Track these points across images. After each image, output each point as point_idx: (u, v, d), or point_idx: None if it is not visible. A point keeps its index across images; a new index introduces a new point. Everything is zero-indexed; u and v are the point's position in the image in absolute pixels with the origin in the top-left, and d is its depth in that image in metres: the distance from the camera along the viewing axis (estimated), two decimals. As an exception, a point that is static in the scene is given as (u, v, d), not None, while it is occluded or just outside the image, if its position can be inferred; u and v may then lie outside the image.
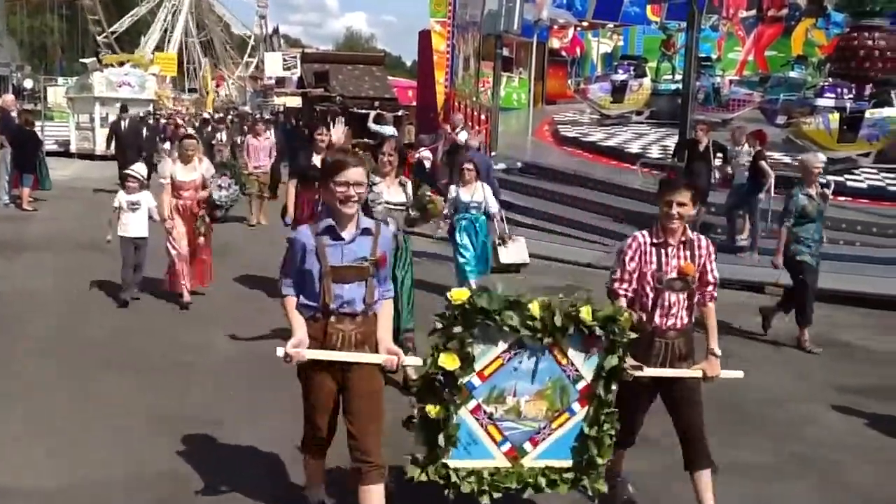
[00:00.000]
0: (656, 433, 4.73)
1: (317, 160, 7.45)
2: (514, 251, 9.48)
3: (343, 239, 3.45)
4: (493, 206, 8.61)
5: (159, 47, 64.83)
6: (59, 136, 27.81)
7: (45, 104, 32.68)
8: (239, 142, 18.37)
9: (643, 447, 5.00)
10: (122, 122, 17.50)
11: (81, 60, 46.01)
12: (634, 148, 18.59)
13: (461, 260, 8.29)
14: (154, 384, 5.85)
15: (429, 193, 6.32)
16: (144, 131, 19.13)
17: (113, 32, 64.75)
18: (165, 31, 69.28)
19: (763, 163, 11.70)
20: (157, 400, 5.54)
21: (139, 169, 8.47)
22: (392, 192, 5.95)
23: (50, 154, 19.09)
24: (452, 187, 8.50)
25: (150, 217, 8.18)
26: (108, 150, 17.71)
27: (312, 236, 3.45)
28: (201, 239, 8.32)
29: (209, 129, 23.71)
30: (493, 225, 9.07)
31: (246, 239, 12.68)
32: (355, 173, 3.39)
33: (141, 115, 22.58)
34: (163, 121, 30.16)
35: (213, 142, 18.37)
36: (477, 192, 8.37)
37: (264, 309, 7.78)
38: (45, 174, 16.11)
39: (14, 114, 16.14)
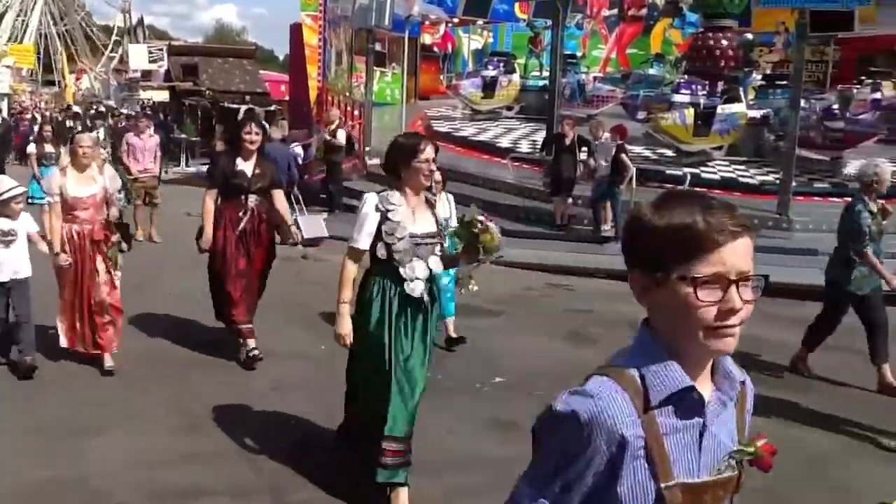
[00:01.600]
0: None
1: (245, 166, 6.40)
2: (313, 225, 11.56)
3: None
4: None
5: (14, 38, 61.19)
6: None
7: None
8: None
9: (504, 436, 5.23)
10: None
11: (-74, 51, 42.98)
12: (505, 142, 19.03)
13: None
14: (12, 393, 5.67)
15: (480, 217, 4.28)
16: None
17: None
18: (19, 19, 65.39)
19: (624, 156, 12.25)
20: (18, 409, 5.38)
21: (7, 182, 6.12)
22: (419, 219, 4.18)
23: None
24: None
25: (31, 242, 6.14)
26: None
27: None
28: (106, 281, 6.24)
29: (80, 124, 21.70)
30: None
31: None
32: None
33: None
34: (28, 117, 28.53)
35: None
36: (442, 206, 5.93)
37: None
38: None
39: None
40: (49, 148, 12.34)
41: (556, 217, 13.09)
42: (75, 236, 6.17)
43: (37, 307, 6.24)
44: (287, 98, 26.47)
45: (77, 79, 57.54)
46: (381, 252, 4.12)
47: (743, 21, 17.78)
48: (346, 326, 4.24)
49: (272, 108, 25.32)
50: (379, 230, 4.11)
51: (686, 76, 18.10)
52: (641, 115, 18.13)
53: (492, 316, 8.60)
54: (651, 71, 23.83)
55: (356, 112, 18.68)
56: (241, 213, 6.45)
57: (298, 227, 8.98)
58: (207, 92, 28.15)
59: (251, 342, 6.52)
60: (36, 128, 28.07)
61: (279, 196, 6.71)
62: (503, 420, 5.56)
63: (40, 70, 63.30)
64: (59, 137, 12.87)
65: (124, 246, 6.51)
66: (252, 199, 6.50)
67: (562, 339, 7.77)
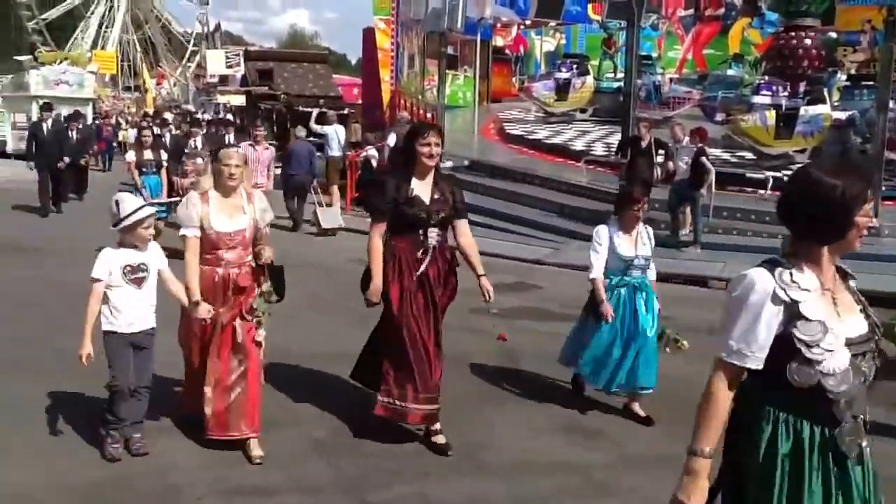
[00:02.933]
0: (603, 424, 4.83)
1: (422, 189, 4.89)
2: (330, 217, 11.82)
3: None
4: None
5: (97, 45, 63.38)
6: (-6, 136, 27.06)
7: (-22, 103, 31.73)
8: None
9: (596, 439, 5.13)
10: (44, 124, 14.78)
11: (16, 58, 44.80)
12: (579, 145, 18.82)
13: (588, 355, 5.62)
14: (85, 389, 5.73)
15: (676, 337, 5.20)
16: (74, 134, 16.13)
17: (45, 19, 62.98)
18: (101, 26, 67.69)
19: (704, 159, 11.98)
20: (91, 405, 5.41)
21: (132, 201, 4.75)
22: None
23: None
24: (603, 229, 5.59)
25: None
26: (30, 163, 14.83)
27: None
28: (245, 342, 4.77)
29: (171, 131, 19.19)
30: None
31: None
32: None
33: (66, 114, 18.24)
34: (112, 122, 29.05)
35: (186, 150, 13.28)
36: (643, 243, 5.63)
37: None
38: None
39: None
40: (149, 154, 11.04)
41: (632, 221, 12.81)
42: (217, 283, 4.74)
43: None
44: (360, 101, 26.71)
45: (157, 84, 59.29)
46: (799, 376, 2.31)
47: (826, 19, 17.18)
48: None
49: (345, 111, 25.59)
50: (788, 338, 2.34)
51: (766, 77, 17.62)
52: (720, 116, 17.73)
53: (566, 320, 8.40)
54: (729, 72, 23.26)
55: (428, 115, 18.70)
56: (419, 254, 4.88)
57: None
58: (282, 96, 28.60)
59: (440, 439, 4.96)
60: (125, 133, 28.88)
61: (465, 228, 5.11)
62: (586, 426, 5.45)
63: (122, 76, 65.45)
64: (157, 145, 11.75)
65: (274, 297, 4.91)
66: (433, 235, 4.91)
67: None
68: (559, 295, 9.37)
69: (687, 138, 12.45)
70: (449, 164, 17.27)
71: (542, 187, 15.17)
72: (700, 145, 12.15)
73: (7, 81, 32.57)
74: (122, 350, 4.61)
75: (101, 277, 4.52)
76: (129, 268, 4.58)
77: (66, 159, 14.82)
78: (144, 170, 10.89)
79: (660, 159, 12.96)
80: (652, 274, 5.76)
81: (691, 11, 29.92)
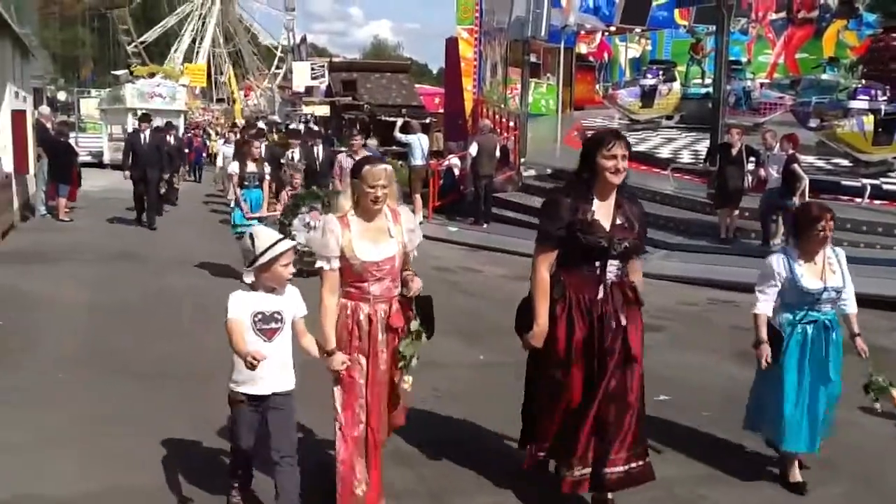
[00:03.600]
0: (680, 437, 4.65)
1: (602, 213, 4.09)
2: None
3: None
4: None
5: (188, 59, 65.59)
6: (93, 148, 28.20)
7: (79, 116, 33.16)
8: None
9: (674, 452, 4.95)
10: (142, 135, 14.89)
11: (113, 72, 46.73)
12: (665, 153, 18.45)
13: (775, 414, 4.65)
14: (180, 390, 5.89)
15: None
16: (171, 140, 17.26)
17: (142, 42, 65.64)
18: (194, 41, 70.07)
19: (796, 166, 11.58)
20: (185, 406, 5.57)
21: (268, 235, 3.91)
22: None
23: (84, 165, 19.32)
24: (779, 259, 4.67)
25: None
26: (125, 173, 14.81)
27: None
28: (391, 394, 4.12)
29: (266, 141, 17.92)
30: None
31: None
32: None
33: (161, 124, 18.83)
34: (200, 133, 29.74)
35: (282, 160, 12.97)
36: (832, 271, 4.62)
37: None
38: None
39: (49, 126, 16.36)
40: (252, 167, 10.14)
41: (722, 230, 12.48)
42: (363, 322, 3.95)
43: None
44: (441, 111, 26.81)
45: (245, 96, 60.94)
46: None
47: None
48: None
49: (427, 120, 25.73)
50: None
51: (864, 81, 16.93)
52: (814, 122, 17.11)
53: (651, 330, 8.16)
54: (824, 76, 22.44)
55: (511, 124, 18.61)
56: (597, 293, 4.05)
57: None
58: (365, 106, 28.98)
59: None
60: (214, 144, 29.60)
61: (638, 268, 4.31)
62: (668, 439, 5.26)
63: (214, 89, 67.55)
64: (262, 157, 10.77)
65: (425, 337, 4.04)
66: (613, 268, 4.09)
67: (728, 357, 7.31)
68: (647, 305, 9.15)
69: (778, 145, 12.05)
70: (531, 172, 17.18)
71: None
72: (792, 152, 11.74)
73: (105, 95, 33.91)
74: (249, 415, 3.87)
75: (238, 316, 3.76)
76: (260, 316, 3.77)
77: (166, 175, 15.18)
78: (246, 183, 10.10)
79: (750, 167, 12.58)
80: (851, 306, 4.72)
81: (783, 14, 28.97)
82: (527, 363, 4.35)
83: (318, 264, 3.90)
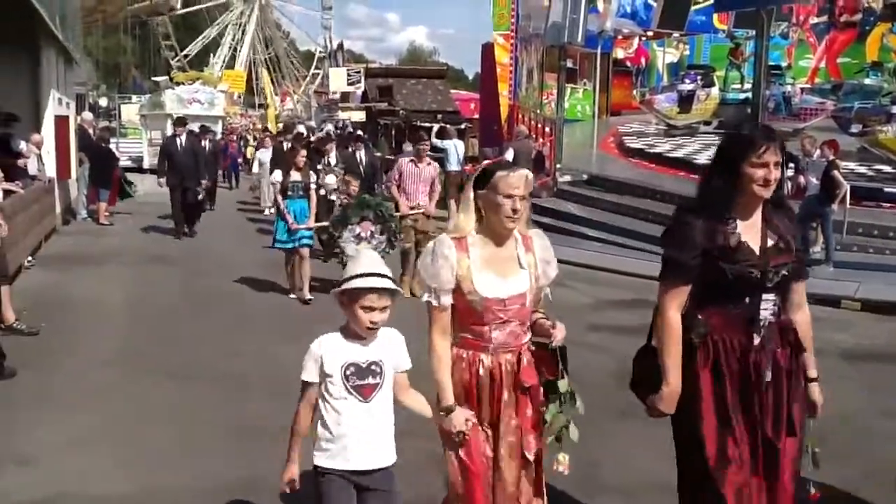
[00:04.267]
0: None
1: (750, 232, 3.10)
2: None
3: None
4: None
5: (228, 65, 66.40)
6: (133, 153, 28.68)
7: (120, 121, 33.74)
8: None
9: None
10: (178, 140, 14.41)
11: (153, 79, 47.49)
12: (702, 159, 18.23)
13: None
14: (216, 393, 5.95)
15: None
16: (207, 146, 16.72)
17: (186, 56, 66.65)
18: (233, 48, 70.95)
19: (836, 173, 11.38)
20: (220, 409, 5.62)
21: (369, 260, 3.03)
22: None
23: (124, 170, 19.63)
24: None
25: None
26: (161, 179, 14.61)
27: None
28: (527, 474, 3.24)
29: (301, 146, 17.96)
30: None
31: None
32: None
33: (196, 129, 18.25)
34: (234, 138, 29.84)
35: (319, 167, 11.75)
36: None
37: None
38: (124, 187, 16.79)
39: (92, 132, 16.65)
40: (296, 176, 9.32)
41: (759, 237, 12.30)
42: (483, 378, 3.12)
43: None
44: (476, 116, 26.83)
45: (281, 101, 61.48)
46: None
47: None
48: None
49: (462, 126, 25.75)
50: None
51: (908, 85, 16.62)
52: (856, 128, 16.82)
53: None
54: (866, 81, 22.05)
55: (547, 129, 18.56)
56: (748, 338, 3.06)
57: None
58: (401, 112, 29.10)
59: None
60: (251, 149, 29.66)
61: (802, 294, 3.27)
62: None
63: (253, 95, 68.29)
64: (307, 165, 9.77)
65: (579, 403, 3.23)
66: (769, 304, 3.11)
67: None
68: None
69: (818, 151, 11.86)
70: (567, 178, 17.11)
71: (663, 202, 14.74)
72: (832, 158, 11.55)
73: (145, 101, 34.48)
74: (342, 495, 3.00)
75: (313, 380, 2.96)
76: (353, 369, 2.94)
77: (205, 182, 14.62)
78: (290, 193, 9.27)
79: (790, 173, 12.38)
80: None
81: (824, 18, 28.59)
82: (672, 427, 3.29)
83: (425, 298, 3.09)
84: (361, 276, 2.88)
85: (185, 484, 4.48)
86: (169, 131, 18.52)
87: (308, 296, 9.10)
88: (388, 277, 2.91)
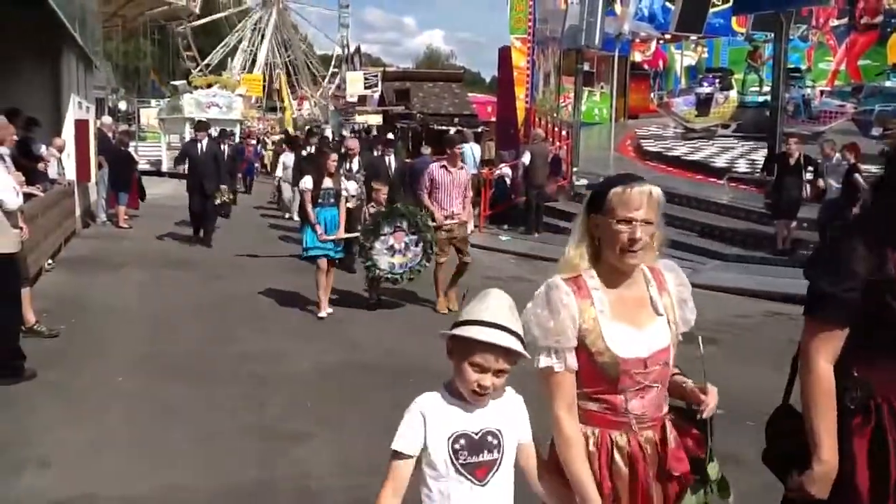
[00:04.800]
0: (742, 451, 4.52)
1: None
2: None
3: None
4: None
5: (246, 69, 66.75)
6: (151, 156, 28.88)
7: (139, 125, 33.98)
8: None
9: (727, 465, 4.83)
10: (199, 144, 13.92)
11: (172, 83, 47.79)
12: (720, 162, 18.17)
13: None
14: (233, 395, 5.97)
15: None
16: (226, 150, 16.40)
17: (207, 66, 67.12)
18: (251, 52, 71.33)
19: (858, 176, 11.29)
20: (238, 411, 5.65)
21: (497, 305, 2.26)
22: None
23: (143, 173, 19.75)
24: None
25: None
26: (180, 166, 14.96)
27: None
28: None
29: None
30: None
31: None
32: None
33: (215, 133, 17.99)
34: (253, 142, 29.72)
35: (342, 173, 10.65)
36: None
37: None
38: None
39: (111, 135, 16.77)
40: (327, 183, 8.61)
41: (779, 241, 12.23)
42: (619, 465, 2.35)
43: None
44: (493, 119, 26.81)
45: (299, 105, 61.69)
46: None
47: None
48: None
49: (479, 129, 25.71)
50: None
51: (929, 88, 16.46)
52: (876, 131, 16.71)
53: (704, 343, 8.09)
54: (887, 83, 21.89)
55: (563, 132, 18.52)
56: None
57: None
58: (418, 115, 29.10)
59: None
60: (269, 153, 29.62)
61: None
62: (724, 453, 5.13)
63: (268, 98, 68.62)
64: (338, 171, 9.13)
65: (731, 499, 2.55)
66: None
67: (785, 372, 7.14)
68: (696, 318, 9.02)
69: (838, 155, 11.78)
70: (584, 181, 17.05)
71: (681, 205, 14.68)
72: (854, 162, 11.46)
73: (164, 105, 34.71)
74: None
75: (409, 452, 2.28)
76: (464, 441, 2.21)
77: (224, 187, 14.21)
78: (321, 201, 8.56)
79: (809, 177, 12.31)
80: None
81: (845, 20, 28.38)
82: None
83: (544, 363, 2.31)
84: (481, 324, 2.17)
85: (204, 485, 4.50)
86: (188, 135, 18.52)
87: (327, 311, 8.55)
88: (516, 335, 2.18)
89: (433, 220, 8.76)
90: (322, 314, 8.48)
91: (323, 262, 8.49)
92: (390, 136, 20.98)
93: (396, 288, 9.09)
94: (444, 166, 9.08)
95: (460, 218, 9.02)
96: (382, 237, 8.36)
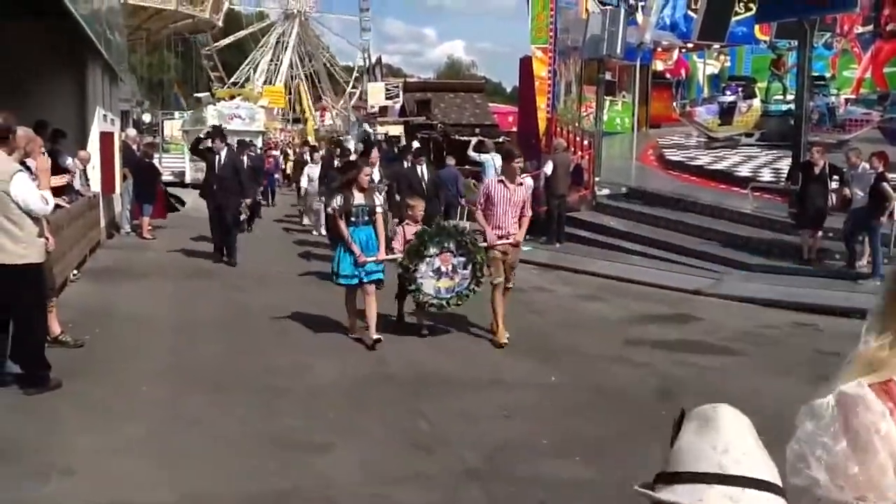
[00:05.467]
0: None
1: None
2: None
3: None
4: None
5: (268, 81, 67.31)
6: (175, 168, 29.14)
7: (162, 137, 34.33)
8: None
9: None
10: (218, 155, 12.73)
11: (195, 95, 48.24)
12: (744, 171, 18.03)
13: None
14: (255, 405, 5.98)
15: None
16: (246, 161, 15.49)
17: (234, 83, 67.82)
18: (273, 63, 71.93)
19: (885, 185, 11.16)
20: (260, 421, 5.66)
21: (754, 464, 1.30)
22: None
23: (166, 185, 19.91)
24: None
25: None
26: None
27: None
28: None
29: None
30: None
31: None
32: None
33: (234, 143, 16.80)
34: (275, 153, 29.74)
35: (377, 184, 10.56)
36: None
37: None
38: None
39: (135, 147, 16.93)
40: (359, 199, 7.88)
41: (804, 251, 12.10)
42: None
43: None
44: (515, 129, 26.79)
45: (321, 116, 62.06)
46: None
47: None
48: None
49: (500, 139, 25.68)
50: None
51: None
52: (902, 139, 16.49)
53: (727, 354, 8.04)
54: (913, 91, 21.67)
55: (585, 142, 18.47)
56: None
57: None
58: (439, 125, 29.16)
59: None
60: (290, 164, 29.41)
61: None
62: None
63: (293, 110, 69.06)
64: (372, 185, 8.54)
65: None
66: None
67: (812, 383, 6.98)
68: (719, 327, 8.99)
69: (865, 164, 11.65)
70: (606, 191, 16.99)
71: (704, 215, 14.59)
72: (881, 170, 11.32)
73: (188, 117, 35.04)
74: None
75: None
76: None
77: (248, 201, 13.57)
78: (353, 219, 7.76)
79: (834, 186, 12.18)
80: None
81: (870, 28, 28.09)
82: None
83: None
84: (722, 480, 1.30)
85: (227, 493, 4.52)
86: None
87: (376, 335, 7.69)
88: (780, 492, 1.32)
89: (484, 239, 8.02)
90: (376, 336, 7.68)
91: (372, 288, 7.81)
92: (416, 144, 20.76)
93: (443, 313, 8.27)
94: (501, 181, 8.09)
95: (515, 239, 8.05)
96: (428, 259, 7.67)
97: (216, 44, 66.92)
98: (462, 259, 7.75)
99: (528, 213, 8.22)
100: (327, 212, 9.42)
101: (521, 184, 8.14)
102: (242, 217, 13.44)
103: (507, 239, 7.94)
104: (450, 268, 7.72)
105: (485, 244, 7.92)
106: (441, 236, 7.78)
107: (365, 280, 7.76)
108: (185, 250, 14.07)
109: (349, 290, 7.95)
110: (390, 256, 8.04)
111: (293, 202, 22.77)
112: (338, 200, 7.88)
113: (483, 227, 8.09)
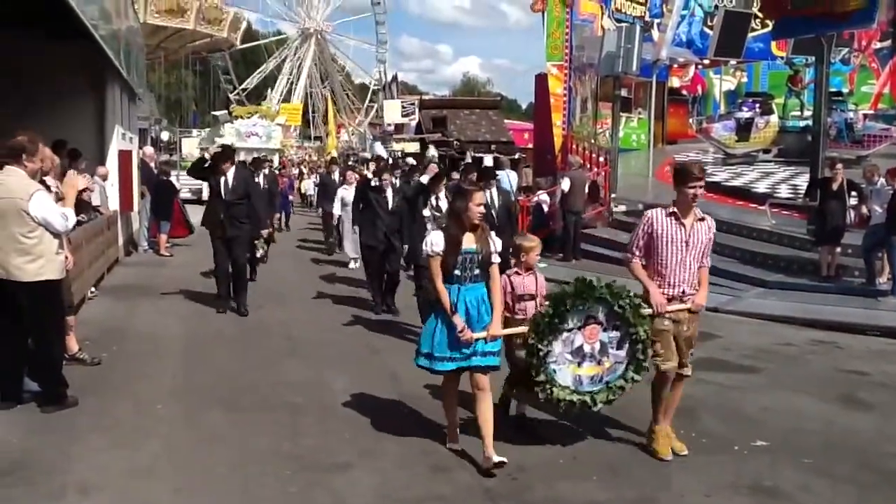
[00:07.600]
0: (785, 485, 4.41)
1: None
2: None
3: None
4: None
5: (285, 98, 67.77)
6: (193, 185, 29.25)
7: (180, 154, 34.57)
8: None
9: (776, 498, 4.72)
10: (222, 179, 10.14)
11: (213, 113, 48.63)
12: (762, 187, 17.94)
13: None
14: (271, 423, 5.97)
15: None
16: (261, 181, 14.60)
17: (244, 90, 68.33)
18: (290, 82, 72.48)
19: (904, 201, 11.06)
20: (276, 440, 5.64)
21: None
22: None
23: (184, 202, 19.98)
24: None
25: None
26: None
27: None
28: None
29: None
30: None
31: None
32: None
33: (248, 160, 16.70)
34: (293, 172, 29.56)
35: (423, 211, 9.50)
36: None
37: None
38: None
39: (153, 165, 17.06)
40: (471, 243, 5.23)
41: (823, 268, 12.00)
42: None
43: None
44: (530, 146, 26.81)
45: (337, 133, 62.31)
46: None
47: None
48: None
49: (516, 156, 25.72)
50: None
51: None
52: (922, 155, 16.36)
53: (746, 371, 7.98)
54: (932, 106, 21.52)
55: (601, 159, 18.45)
56: None
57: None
58: (455, 142, 29.25)
59: None
60: (305, 184, 29.11)
61: None
62: (766, 486, 5.03)
63: (311, 128, 69.47)
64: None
65: None
66: None
67: (831, 401, 6.98)
68: (737, 345, 8.92)
69: (882, 179, 11.56)
70: (622, 208, 16.96)
71: (721, 231, 14.42)
72: (899, 186, 11.24)
73: (205, 134, 35.31)
74: None
75: None
76: None
77: (265, 233, 11.75)
78: (457, 273, 5.17)
79: (853, 202, 12.10)
80: None
81: (888, 43, 27.95)
82: None
83: None
84: None
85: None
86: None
87: (496, 457, 5.03)
88: None
89: (648, 304, 5.38)
90: (496, 458, 5.02)
91: (484, 381, 5.21)
92: (489, 162, 17.81)
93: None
94: (673, 214, 5.38)
95: (694, 302, 5.45)
96: (566, 334, 5.26)
97: (231, 49, 67.63)
98: (616, 334, 5.35)
99: (708, 262, 5.62)
100: (420, 257, 6.97)
101: (703, 219, 5.48)
102: (259, 254, 11.67)
103: (683, 302, 5.43)
104: (597, 346, 5.32)
105: (649, 311, 5.36)
106: (584, 299, 5.29)
107: (473, 364, 5.17)
108: (201, 267, 14.12)
109: (448, 377, 5.38)
110: (513, 330, 5.52)
111: (311, 221, 22.61)
112: (435, 241, 5.21)
113: (644, 285, 5.48)
